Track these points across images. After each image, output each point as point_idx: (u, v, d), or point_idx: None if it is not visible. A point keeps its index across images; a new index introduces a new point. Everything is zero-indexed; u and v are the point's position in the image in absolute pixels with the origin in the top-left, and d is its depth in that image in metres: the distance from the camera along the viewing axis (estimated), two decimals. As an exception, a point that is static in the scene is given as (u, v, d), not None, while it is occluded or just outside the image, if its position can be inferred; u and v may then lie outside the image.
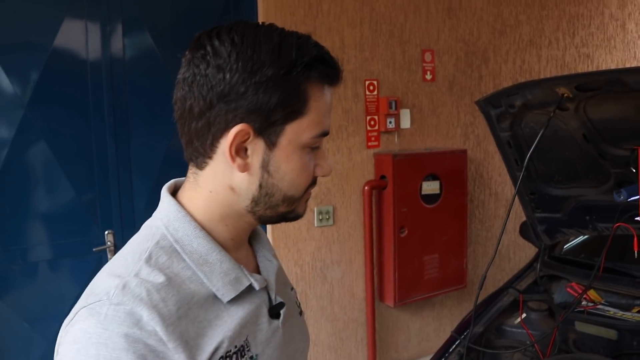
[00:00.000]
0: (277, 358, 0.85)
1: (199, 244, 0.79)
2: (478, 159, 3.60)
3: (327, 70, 0.77)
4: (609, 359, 1.80)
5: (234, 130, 0.75)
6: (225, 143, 0.76)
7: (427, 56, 3.29)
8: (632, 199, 1.75)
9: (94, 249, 2.58)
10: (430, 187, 3.18)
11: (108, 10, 2.56)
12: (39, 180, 2.50)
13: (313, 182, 0.83)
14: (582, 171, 2.03)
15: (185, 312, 0.73)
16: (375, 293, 3.22)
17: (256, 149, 0.77)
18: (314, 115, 0.77)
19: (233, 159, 0.76)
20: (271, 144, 0.77)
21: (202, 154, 0.79)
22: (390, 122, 3.14)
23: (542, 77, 3.72)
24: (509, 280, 2.39)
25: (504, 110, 1.91)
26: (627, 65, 4.04)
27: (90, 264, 2.61)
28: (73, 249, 2.57)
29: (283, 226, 2.92)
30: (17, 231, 2.47)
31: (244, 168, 0.77)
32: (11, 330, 2.47)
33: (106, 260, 2.60)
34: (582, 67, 3.93)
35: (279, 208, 0.81)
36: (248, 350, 0.79)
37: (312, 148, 0.80)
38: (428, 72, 3.31)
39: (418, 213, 3.15)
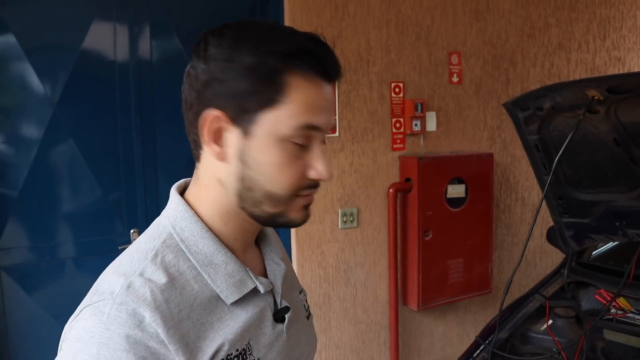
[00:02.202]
0: None
1: (205, 245, 0.79)
2: (504, 163, 3.55)
3: (314, 62, 0.75)
4: (638, 369, 1.76)
5: (206, 114, 0.76)
6: (204, 129, 0.77)
7: (454, 59, 3.26)
8: (664, 204, 1.70)
9: (119, 247, 2.61)
10: (456, 190, 3.14)
11: (136, 12, 2.59)
12: (66, 179, 2.54)
13: (310, 185, 0.79)
14: (612, 176, 1.98)
15: (187, 314, 0.73)
16: (399, 296, 3.20)
17: (232, 137, 0.76)
18: (295, 105, 0.74)
19: (208, 144, 0.77)
20: (246, 133, 0.75)
21: (197, 145, 0.81)
22: (416, 125, 3.12)
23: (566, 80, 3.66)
24: (535, 286, 2.35)
25: (532, 112, 1.88)
26: (660, 69, 3.96)
27: (116, 262, 2.64)
28: (99, 247, 2.61)
29: (307, 228, 2.92)
30: (45, 228, 2.52)
31: (221, 156, 0.77)
32: (39, 326, 2.52)
33: (131, 259, 2.65)
34: (613, 71, 3.85)
35: (263, 206, 0.78)
36: (250, 354, 0.78)
37: (301, 145, 0.76)
38: (455, 75, 3.28)
39: (443, 216, 3.12)
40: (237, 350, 0.76)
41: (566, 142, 1.69)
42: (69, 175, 2.54)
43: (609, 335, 1.97)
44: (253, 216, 0.80)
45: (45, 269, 2.54)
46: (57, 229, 2.55)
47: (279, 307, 0.86)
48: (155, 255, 0.76)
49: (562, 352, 1.91)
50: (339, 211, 3.00)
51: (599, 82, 1.64)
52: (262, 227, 0.91)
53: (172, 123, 2.69)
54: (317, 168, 0.77)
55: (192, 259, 0.77)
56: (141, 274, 0.73)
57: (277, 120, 0.74)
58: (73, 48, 2.48)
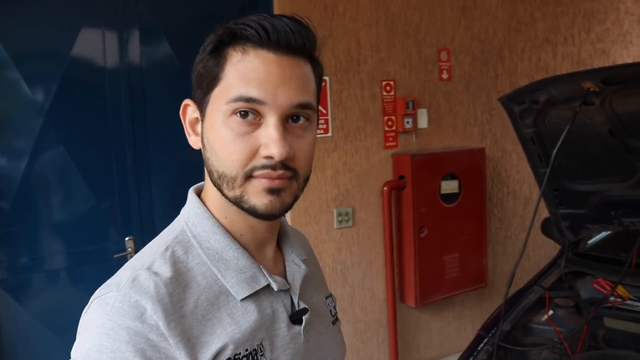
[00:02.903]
0: None
1: (216, 241, 0.78)
2: (495, 158, 3.58)
3: (252, 33, 0.72)
4: (640, 355, 1.79)
5: (182, 104, 0.81)
6: (184, 119, 0.82)
7: (443, 55, 3.28)
8: (661, 192, 1.73)
9: (115, 256, 2.59)
10: (449, 186, 3.16)
11: (125, 17, 2.57)
12: (59, 188, 2.51)
13: (264, 165, 0.73)
14: (607, 166, 2.01)
15: (191, 310, 0.72)
16: (396, 294, 3.21)
17: (199, 123, 0.79)
18: (230, 79, 0.73)
19: (188, 133, 0.81)
20: (203, 116, 0.77)
21: None
22: (407, 122, 3.13)
23: (558, 74, 3.70)
24: (534, 278, 2.38)
25: (528, 106, 1.90)
26: (643, 60, 4.01)
27: (112, 271, 2.55)
28: (94, 256, 2.58)
29: (303, 229, 2.91)
30: (39, 239, 2.49)
31: (195, 143, 0.81)
32: (35, 338, 2.48)
33: (128, 267, 2.63)
34: (598, 63, 3.89)
35: (223, 190, 0.75)
36: (262, 355, 0.76)
37: (250, 122, 0.72)
38: (444, 72, 3.30)
39: (437, 213, 3.14)
40: (247, 350, 0.74)
41: (564, 134, 1.71)
42: (61, 184, 2.51)
43: (610, 322, 1.99)
44: (233, 203, 0.77)
45: (39, 280, 2.50)
46: (51, 239, 2.52)
47: (297, 308, 0.83)
48: (166, 249, 0.76)
49: (564, 342, 1.94)
50: (334, 211, 3.01)
51: (594, 74, 1.66)
52: (280, 227, 0.89)
53: (165, 128, 2.67)
54: (267, 145, 0.72)
55: (203, 255, 0.77)
56: (148, 268, 0.73)
57: (218, 96, 0.74)
58: (62, 55, 2.45)
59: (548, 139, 1.99)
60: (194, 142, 0.81)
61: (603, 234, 2.51)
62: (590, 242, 2.50)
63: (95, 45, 2.53)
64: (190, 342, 0.70)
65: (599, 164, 2.01)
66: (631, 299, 2.07)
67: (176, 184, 2.69)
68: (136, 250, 2.61)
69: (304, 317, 0.83)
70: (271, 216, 0.76)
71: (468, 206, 3.26)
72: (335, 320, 0.96)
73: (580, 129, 1.87)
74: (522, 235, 3.74)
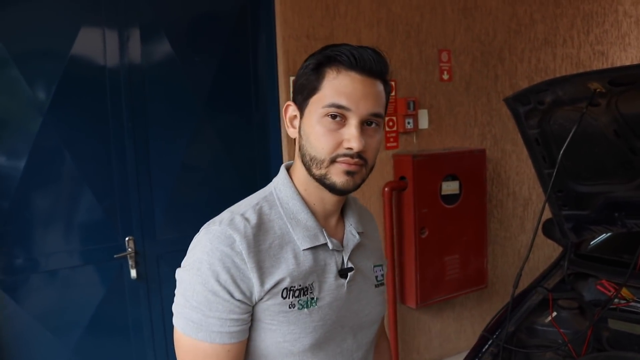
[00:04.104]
0: (337, 308, 1.05)
1: (294, 205, 1.05)
2: (495, 159, 3.58)
3: (345, 59, 0.98)
4: (645, 357, 1.78)
5: (285, 105, 1.08)
6: (285, 116, 1.08)
7: (444, 56, 3.28)
8: (667, 193, 1.73)
9: (115, 256, 2.57)
10: (450, 187, 3.16)
11: (125, 16, 2.55)
12: (58, 188, 2.48)
13: (345, 154, 0.98)
14: (611, 167, 2.00)
15: (266, 248, 0.99)
16: (397, 295, 3.20)
17: (298, 119, 1.05)
18: (326, 90, 0.99)
19: (287, 127, 1.08)
20: (302, 114, 1.03)
21: None
22: (408, 123, 3.12)
23: (557, 75, 3.70)
24: (536, 279, 2.37)
25: (533, 107, 1.89)
26: (642, 62, 4.02)
27: (112, 271, 2.59)
28: (94, 256, 2.56)
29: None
30: (38, 239, 2.46)
31: (293, 134, 1.07)
32: (34, 339, 2.45)
33: (127, 267, 2.61)
34: (597, 65, 3.90)
35: (312, 169, 1.01)
36: (311, 292, 1.02)
37: (338, 122, 0.98)
38: (445, 72, 3.29)
39: (438, 214, 3.13)
40: (300, 285, 1.00)
41: (570, 135, 1.70)
42: (60, 183, 2.49)
43: (614, 324, 1.99)
44: (315, 180, 1.02)
45: (39, 280, 2.47)
46: (50, 239, 2.49)
47: (345, 266, 1.08)
48: (256, 204, 1.04)
49: (568, 344, 1.93)
50: (335, 211, 2.99)
51: (600, 75, 1.65)
52: (344, 202, 1.12)
53: (165, 128, 2.65)
54: (349, 139, 0.98)
55: (282, 212, 1.04)
56: (242, 214, 1.01)
57: (316, 102, 1.00)
58: (62, 54, 2.42)
59: (553, 140, 1.98)
60: (291, 133, 1.07)
61: (604, 236, 2.51)
62: (592, 243, 2.50)
63: (95, 44, 2.50)
64: (261, 270, 0.97)
65: (603, 165, 2.00)
66: (635, 301, 2.07)
67: (176, 183, 2.67)
68: (136, 250, 2.60)
69: (349, 274, 1.08)
70: (346, 191, 1.02)
71: (468, 207, 3.26)
72: (380, 285, 1.19)
73: (585, 129, 1.86)
74: (522, 237, 3.74)
